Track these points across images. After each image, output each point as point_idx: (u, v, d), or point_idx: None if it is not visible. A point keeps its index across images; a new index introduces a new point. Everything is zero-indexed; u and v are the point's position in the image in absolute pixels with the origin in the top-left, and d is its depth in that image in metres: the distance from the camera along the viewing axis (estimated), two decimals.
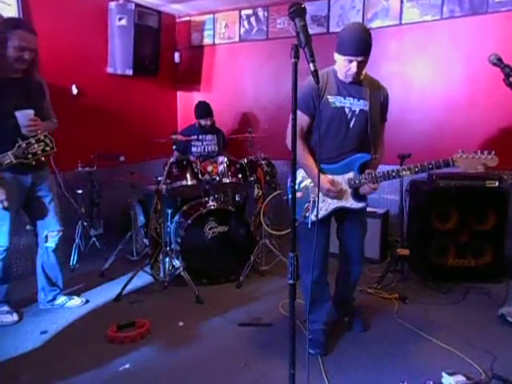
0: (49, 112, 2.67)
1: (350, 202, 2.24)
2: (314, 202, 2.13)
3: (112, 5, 3.91)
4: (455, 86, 3.69)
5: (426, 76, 3.79)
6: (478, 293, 3.08)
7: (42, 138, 1.79)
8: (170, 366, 2.24)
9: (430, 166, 2.08)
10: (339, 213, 2.32)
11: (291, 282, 1.41)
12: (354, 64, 2.07)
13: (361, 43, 2.04)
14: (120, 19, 3.89)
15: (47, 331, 2.57)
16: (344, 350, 2.36)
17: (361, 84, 2.20)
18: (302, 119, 2.19)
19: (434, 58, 3.73)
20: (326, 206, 2.27)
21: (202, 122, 4.08)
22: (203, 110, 4.08)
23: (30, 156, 1.77)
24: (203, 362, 2.28)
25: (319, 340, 2.35)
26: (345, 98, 2.17)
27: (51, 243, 2.75)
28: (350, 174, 2.21)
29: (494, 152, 2.00)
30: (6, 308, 2.69)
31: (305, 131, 2.23)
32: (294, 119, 1.37)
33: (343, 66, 2.12)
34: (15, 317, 2.67)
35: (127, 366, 2.21)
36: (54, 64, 3.51)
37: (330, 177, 2.23)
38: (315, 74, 1.36)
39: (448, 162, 2.04)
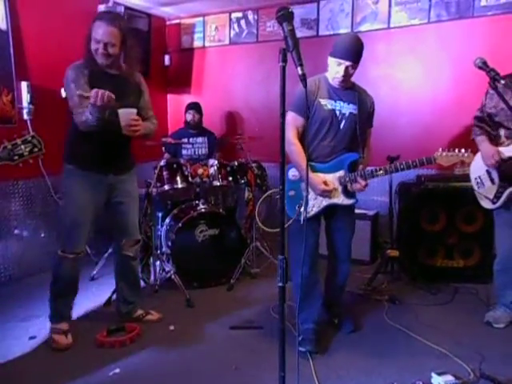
0: (147, 113, 2.53)
1: (341, 199, 2.35)
2: (307, 199, 2.22)
3: (101, 7, 3.88)
4: (443, 89, 3.73)
5: (415, 79, 3.83)
6: (466, 293, 3.12)
7: (30, 138, 1.73)
8: (161, 371, 2.23)
9: (415, 164, 2.24)
10: (329, 210, 2.40)
11: (281, 284, 1.41)
12: (342, 67, 2.21)
13: (351, 49, 2.20)
14: None
15: (36, 336, 2.54)
16: (335, 351, 2.37)
17: (351, 90, 2.36)
18: (298, 121, 2.31)
19: (422, 61, 3.78)
20: (318, 203, 2.35)
21: (188, 116, 4.09)
22: (190, 104, 4.14)
23: (16, 158, 1.71)
24: (194, 366, 2.27)
25: (310, 338, 2.37)
26: (335, 102, 2.32)
27: (128, 252, 2.59)
28: (341, 172, 2.33)
29: (470, 150, 2.25)
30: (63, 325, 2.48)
31: (300, 132, 2.33)
32: (282, 123, 1.38)
33: (333, 69, 2.26)
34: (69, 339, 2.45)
35: (117, 370, 2.19)
36: (43, 66, 3.49)
37: (322, 177, 2.32)
38: (303, 77, 1.37)
39: (430, 159, 2.23)
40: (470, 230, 3.26)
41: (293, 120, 2.29)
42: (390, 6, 3.75)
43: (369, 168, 2.34)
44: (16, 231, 3.44)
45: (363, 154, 2.39)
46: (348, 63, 2.19)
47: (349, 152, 2.35)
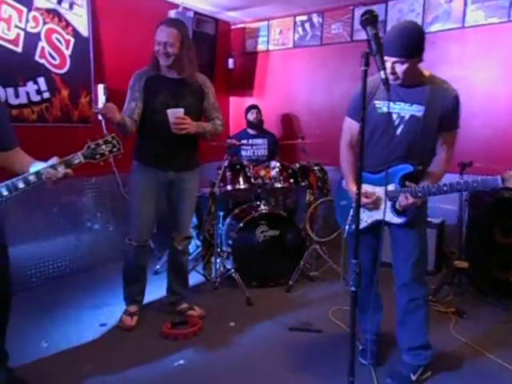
0: (212, 114, 2.65)
1: (390, 216, 2.03)
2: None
3: (172, 13, 4.05)
4: None
5: (490, 81, 3.62)
6: None
7: (110, 139, 1.85)
8: (223, 365, 2.28)
9: (475, 184, 1.80)
10: (388, 227, 2.12)
11: (353, 289, 1.38)
12: (389, 65, 1.86)
13: (397, 43, 1.83)
14: None
15: (106, 324, 2.69)
16: (398, 362, 2.29)
17: (419, 87, 1.97)
18: (352, 126, 2.11)
19: (500, 61, 3.55)
20: (366, 217, 2.12)
21: (250, 116, 4.18)
22: (251, 105, 4.26)
23: (97, 156, 1.83)
24: (254, 364, 2.30)
25: (370, 349, 2.29)
26: (394, 103, 1.99)
27: (177, 245, 2.73)
28: (391, 186, 2.00)
29: None
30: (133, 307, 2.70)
31: (355, 139, 2.12)
32: (362, 127, 1.35)
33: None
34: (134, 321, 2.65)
35: (181, 361, 2.28)
36: (118, 70, 3.70)
37: (364, 188, 2.03)
38: (386, 81, 1.34)
39: (496, 180, 1.75)
40: None
41: (347, 126, 2.16)
42: (465, 4, 3.57)
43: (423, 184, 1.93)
44: (88, 224, 3.68)
45: (427, 164, 2.01)
46: (393, 59, 1.84)
47: (404, 163, 1.99)
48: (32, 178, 1.71)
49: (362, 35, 4.06)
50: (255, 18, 4.75)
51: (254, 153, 4.20)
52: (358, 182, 1.37)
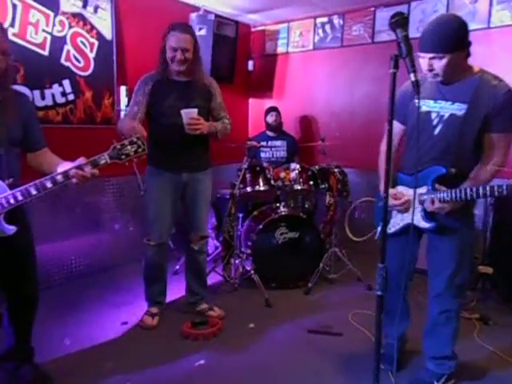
0: (219, 113, 2.69)
1: (418, 220, 1.94)
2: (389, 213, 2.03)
3: (193, 15, 4.09)
4: None
5: None
6: None
7: (135, 140, 1.87)
8: (243, 366, 2.29)
9: (500, 190, 1.69)
10: (422, 232, 2.05)
11: (379, 293, 1.36)
12: (425, 61, 1.79)
13: (433, 38, 1.72)
14: (200, 29, 4.06)
15: (128, 322, 2.73)
16: (421, 368, 2.25)
17: (464, 83, 1.84)
18: (394, 126, 1.98)
19: None
20: (398, 220, 2.06)
21: (269, 118, 4.18)
22: (270, 107, 4.25)
23: (123, 157, 1.85)
24: (274, 365, 2.30)
25: (391, 355, 2.23)
26: (435, 102, 1.90)
27: (194, 245, 2.76)
28: (422, 189, 1.92)
29: None
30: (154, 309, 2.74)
31: (397, 138, 2.07)
32: (390, 130, 1.34)
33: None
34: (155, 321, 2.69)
35: (202, 362, 2.29)
36: (140, 72, 3.73)
37: (395, 189, 2.04)
38: (416, 84, 1.32)
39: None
40: None
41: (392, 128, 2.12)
42: (490, 4, 3.50)
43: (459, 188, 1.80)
44: (108, 224, 3.73)
45: (465, 167, 1.88)
46: (429, 55, 1.75)
47: (439, 164, 1.89)
48: (59, 177, 1.75)
49: (383, 37, 4.03)
50: (275, 21, 4.75)
51: (273, 154, 4.21)
52: (386, 184, 1.35)
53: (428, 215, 1.92)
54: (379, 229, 2.05)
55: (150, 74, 2.60)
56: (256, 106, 5.09)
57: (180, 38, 2.43)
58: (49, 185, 1.73)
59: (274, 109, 4.28)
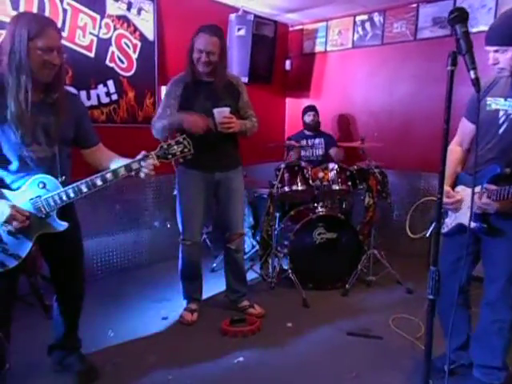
0: (246, 112, 2.71)
1: (466, 220, 1.86)
2: (445, 213, 1.99)
3: (232, 16, 4.12)
4: None
5: None
6: None
7: (181, 140, 1.90)
8: (281, 365, 2.29)
9: None
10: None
11: (431, 297, 1.32)
12: (491, 55, 1.76)
13: (495, 30, 1.72)
14: (239, 29, 4.09)
15: (167, 318, 2.78)
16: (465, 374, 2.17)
17: None
18: (464, 125, 2.03)
19: None
20: (451, 220, 2.03)
21: (307, 117, 4.16)
22: (308, 106, 4.23)
23: (169, 156, 1.89)
24: (313, 366, 2.28)
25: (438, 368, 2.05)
26: (506, 100, 1.84)
27: (231, 244, 2.78)
28: (478, 188, 1.86)
29: None
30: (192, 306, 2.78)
31: (467, 138, 2.03)
32: (446, 129, 1.29)
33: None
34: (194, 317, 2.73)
35: (241, 359, 2.31)
36: (180, 71, 3.81)
37: (447, 188, 1.98)
38: (476, 81, 1.28)
39: None
40: None
41: (461, 124, 2.07)
42: None
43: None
44: (148, 221, 3.83)
45: None
46: (493, 48, 1.73)
47: (496, 164, 1.85)
48: (109, 175, 1.80)
49: (425, 34, 3.92)
50: (314, 19, 4.72)
51: (312, 153, 4.18)
52: (440, 183, 1.31)
53: (477, 215, 1.85)
54: (432, 227, 2.01)
55: (180, 76, 2.64)
56: (293, 106, 5.07)
57: (207, 41, 2.46)
58: (99, 182, 1.79)
59: (311, 108, 4.25)
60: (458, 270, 1.91)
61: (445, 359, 1.90)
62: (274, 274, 3.27)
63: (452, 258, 1.97)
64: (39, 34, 1.64)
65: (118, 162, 1.86)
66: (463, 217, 1.91)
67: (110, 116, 3.42)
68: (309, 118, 4.20)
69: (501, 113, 1.85)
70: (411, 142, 4.10)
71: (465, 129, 2.02)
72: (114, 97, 3.44)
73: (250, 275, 3.33)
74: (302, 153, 4.14)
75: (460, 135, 2.07)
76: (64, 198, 1.76)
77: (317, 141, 4.20)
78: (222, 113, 2.44)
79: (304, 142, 4.06)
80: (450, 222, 2.04)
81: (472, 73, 1.27)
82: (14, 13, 2.76)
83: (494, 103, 1.86)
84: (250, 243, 3.87)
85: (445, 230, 2.04)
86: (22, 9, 2.82)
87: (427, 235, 2.17)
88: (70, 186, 1.77)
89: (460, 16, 1.29)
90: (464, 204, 1.92)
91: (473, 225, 1.86)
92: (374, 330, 2.66)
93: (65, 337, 2.12)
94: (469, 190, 1.88)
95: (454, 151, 2.04)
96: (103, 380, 2.10)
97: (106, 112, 3.40)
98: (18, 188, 1.76)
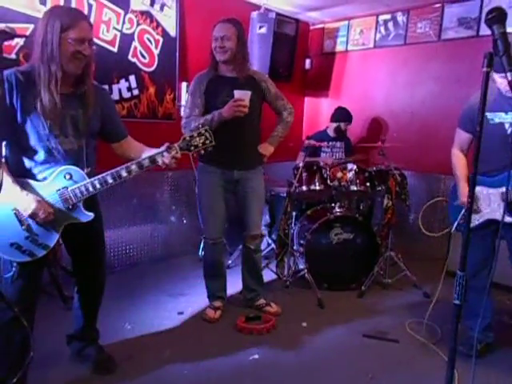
0: (278, 103, 2.73)
1: (502, 216, 2.09)
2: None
3: (254, 14, 4.12)
4: None
5: None
6: None
7: (203, 131, 1.91)
8: (296, 364, 2.28)
9: None
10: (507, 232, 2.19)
11: (457, 302, 1.29)
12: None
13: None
14: (260, 27, 4.08)
15: (183, 312, 2.80)
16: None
17: None
18: (461, 136, 2.32)
19: None
20: (478, 216, 2.23)
21: (343, 125, 4.07)
22: (347, 114, 4.11)
23: (192, 148, 1.89)
24: (328, 367, 2.27)
25: (471, 343, 2.20)
26: (506, 114, 2.13)
27: (249, 244, 2.76)
28: (503, 189, 2.17)
29: None
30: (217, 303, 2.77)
31: (466, 147, 2.33)
32: (480, 131, 1.27)
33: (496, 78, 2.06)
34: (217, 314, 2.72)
35: (256, 356, 2.31)
36: (202, 69, 3.81)
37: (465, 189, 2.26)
38: None
39: None
40: None
41: (457, 135, 2.37)
42: None
43: None
44: (164, 216, 3.85)
45: None
46: None
47: None
48: (134, 167, 1.82)
49: (450, 34, 3.85)
50: (335, 18, 4.68)
51: (332, 155, 4.13)
52: (471, 187, 1.28)
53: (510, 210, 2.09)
54: (456, 223, 2.27)
55: (203, 73, 2.64)
56: (311, 105, 5.05)
57: (221, 27, 2.48)
58: (124, 174, 1.81)
59: (349, 118, 4.10)
60: (484, 262, 2.21)
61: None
62: (289, 273, 3.26)
63: (478, 252, 2.16)
64: (72, 26, 1.66)
65: (147, 153, 1.88)
66: (494, 213, 2.18)
67: (130, 111, 3.45)
68: (344, 126, 4.10)
69: (506, 125, 2.13)
70: (432, 144, 4.04)
71: (462, 139, 2.33)
72: (136, 92, 3.47)
73: (266, 274, 3.32)
74: (322, 154, 4.08)
75: (458, 144, 2.37)
76: (90, 189, 1.78)
77: (338, 144, 4.14)
78: (243, 95, 2.41)
79: (325, 144, 4.01)
80: (477, 219, 2.25)
81: (509, 75, 1.24)
82: (42, 7, 2.80)
83: (496, 117, 2.14)
84: (265, 241, 3.86)
85: (471, 225, 2.12)
86: (49, 4, 2.86)
87: (452, 230, 2.35)
88: (96, 177, 1.79)
89: (498, 16, 1.26)
90: (480, 203, 2.22)
91: (509, 219, 2.11)
92: (390, 332, 2.64)
93: (84, 328, 2.15)
94: (492, 190, 2.19)
95: (461, 157, 2.35)
96: (120, 371, 2.12)
97: (127, 107, 3.43)
98: (43, 179, 1.78)
